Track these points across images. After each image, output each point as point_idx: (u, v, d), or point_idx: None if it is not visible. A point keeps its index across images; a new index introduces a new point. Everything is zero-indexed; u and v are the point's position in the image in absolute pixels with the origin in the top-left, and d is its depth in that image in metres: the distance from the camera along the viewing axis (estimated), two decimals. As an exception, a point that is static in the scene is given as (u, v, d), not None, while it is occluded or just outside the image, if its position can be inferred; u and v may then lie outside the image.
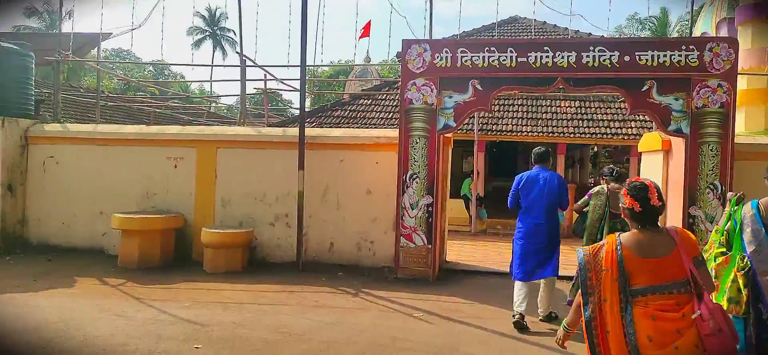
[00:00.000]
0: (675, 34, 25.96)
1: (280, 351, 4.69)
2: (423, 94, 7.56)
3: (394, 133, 8.05)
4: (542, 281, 5.68)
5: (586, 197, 6.35)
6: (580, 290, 2.66)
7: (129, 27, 9.99)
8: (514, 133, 14.15)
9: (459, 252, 9.96)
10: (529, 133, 14.09)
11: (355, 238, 8.21)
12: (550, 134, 13.96)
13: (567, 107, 14.94)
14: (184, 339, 4.88)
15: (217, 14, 45.98)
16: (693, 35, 10.66)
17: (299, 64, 7.97)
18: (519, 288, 5.54)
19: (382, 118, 14.92)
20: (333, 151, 8.33)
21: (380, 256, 8.10)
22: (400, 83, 7.83)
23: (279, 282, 7.16)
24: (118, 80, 31.16)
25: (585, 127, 14.09)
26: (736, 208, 3.76)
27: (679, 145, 7.34)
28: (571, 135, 13.96)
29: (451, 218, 12.65)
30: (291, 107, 31.31)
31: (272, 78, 11.27)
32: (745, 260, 3.56)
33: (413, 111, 7.58)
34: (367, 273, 7.78)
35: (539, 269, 5.58)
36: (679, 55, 6.94)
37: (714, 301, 3.27)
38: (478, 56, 7.40)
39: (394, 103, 15.00)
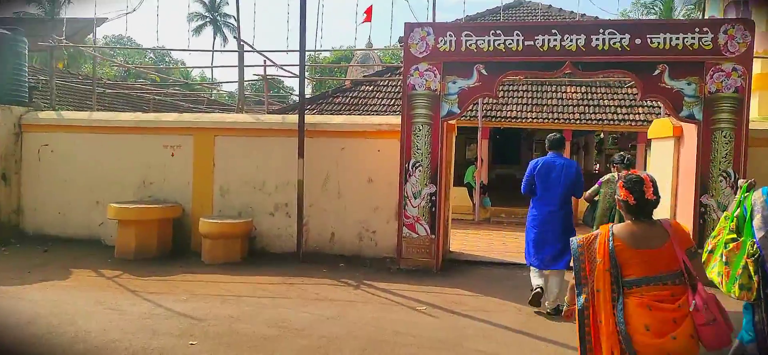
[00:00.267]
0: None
1: (279, 347, 4.52)
2: (426, 80, 7.32)
3: (396, 120, 7.83)
4: (553, 277, 5.52)
5: (596, 185, 6.18)
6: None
7: (124, 11, 9.72)
8: (519, 120, 13.90)
9: (463, 241, 9.77)
10: (534, 120, 13.84)
11: (356, 228, 8.03)
12: (556, 121, 13.71)
13: (573, 93, 14.66)
14: (180, 335, 4.71)
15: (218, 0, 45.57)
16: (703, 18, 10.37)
17: (298, 49, 7.72)
18: (534, 270, 5.72)
19: (384, 104, 14.67)
20: (334, 139, 8.12)
21: (382, 246, 7.91)
22: (402, 69, 7.59)
23: (279, 274, 6.99)
24: (117, 67, 30.90)
25: (591, 114, 13.83)
26: (746, 194, 3.74)
27: (691, 131, 7.10)
28: (577, 121, 13.70)
29: (454, 207, 12.44)
30: (292, 94, 31.05)
31: (272, 64, 11.03)
32: (755, 247, 3.52)
33: (416, 97, 7.35)
34: (369, 264, 7.60)
35: (553, 260, 5.51)
36: (693, 38, 6.68)
37: (724, 289, 3.50)
38: (483, 40, 7.14)
39: (397, 90, 14.75)
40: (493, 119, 13.88)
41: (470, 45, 7.19)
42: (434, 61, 7.29)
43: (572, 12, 16.41)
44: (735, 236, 3.72)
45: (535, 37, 7.02)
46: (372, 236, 7.99)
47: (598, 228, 5.61)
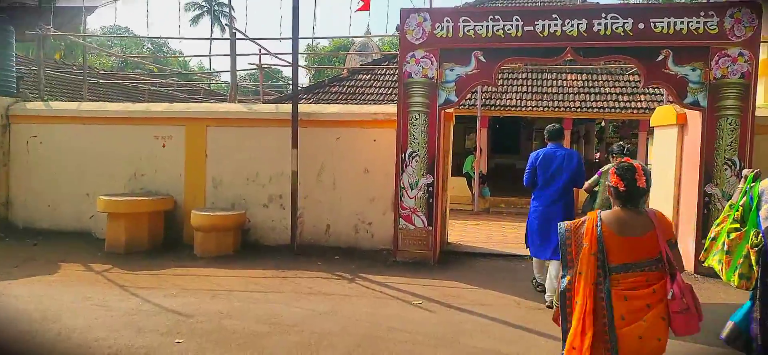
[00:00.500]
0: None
1: (269, 345, 4.35)
2: (423, 67, 7.11)
3: (392, 109, 7.64)
4: (553, 265, 5.36)
5: (596, 175, 6.02)
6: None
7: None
8: (518, 109, 13.69)
9: (461, 232, 9.61)
10: (534, 108, 13.63)
11: (352, 219, 7.86)
12: (556, 109, 13.50)
13: (573, 80, 14.44)
14: (166, 332, 4.55)
15: (214, -11, 45.11)
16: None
17: (291, 36, 7.51)
18: (536, 261, 5.81)
19: (381, 93, 14.45)
20: (328, 129, 7.93)
21: (379, 238, 7.75)
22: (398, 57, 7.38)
23: (272, 267, 6.83)
24: (115, 58, 30.59)
25: (592, 102, 13.62)
26: (752, 184, 3.70)
27: (695, 118, 6.90)
28: (578, 109, 13.49)
29: (452, 197, 12.27)
30: (290, 84, 30.81)
31: (266, 52, 10.81)
32: (759, 237, 3.50)
33: (412, 85, 7.14)
34: (365, 256, 7.44)
35: (555, 252, 5.33)
36: (697, 22, 6.47)
37: (724, 277, 3.61)
38: (482, 26, 6.93)
39: (395, 78, 14.51)
40: (493, 108, 13.68)
41: (468, 31, 6.98)
42: (431, 47, 7.08)
43: (573, -2, 16.14)
44: (738, 225, 3.70)
45: (535, 23, 6.81)
46: (368, 228, 7.82)
47: None
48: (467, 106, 13.50)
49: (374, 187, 7.75)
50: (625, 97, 13.65)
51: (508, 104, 13.75)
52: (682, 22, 6.49)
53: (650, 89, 13.47)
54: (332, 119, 7.98)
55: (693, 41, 6.49)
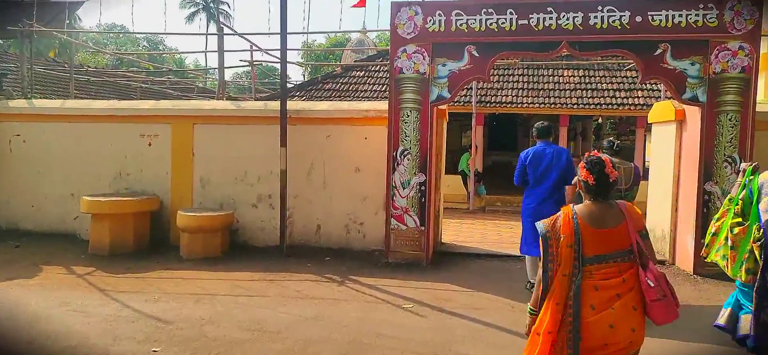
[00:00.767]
0: None
1: (250, 353, 4.16)
2: (414, 62, 6.92)
3: (384, 105, 7.44)
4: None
5: None
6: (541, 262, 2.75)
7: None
8: (514, 106, 13.50)
9: (457, 232, 9.42)
10: (530, 105, 13.44)
11: (343, 219, 7.66)
12: (553, 105, 13.31)
13: (570, 76, 14.25)
14: (143, 340, 4.35)
15: (210, -15, 44.78)
16: None
17: (279, 31, 7.30)
18: (530, 260, 5.77)
19: (376, 90, 14.24)
20: (319, 126, 7.73)
21: (371, 238, 7.56)
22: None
23: (260, 269, 6.63)
24: (110, 56, 30.29)
25: (589, 98, 13.43)
26: (751, 178, 3.70)
27: (694, 114, 6.72)
28: (575, 106, 13.31)
29: (448, 195, 12.09)
30: (289, 79, 30.51)
31: (257, 49, 10.59)
32: (761, 231, 3.50)
33: (404, 81, 6.95)
34: (357, 257, 7.25)
35: None
36: (697, 15, 6.28)
37: (730, 272, 3.64)
38: (475, 19, 6.73)
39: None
40: (488, 105, 13.48)
41: (461, 25, 6.78)
42: (423, 42, 6.88)
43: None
44: (740, 220, 3.69)
45: (530, 16, 6.61)
46: (360, 228, 7.63)
47: None
48: (463, 103, 13.32)
49: (366, 186, 7.56)
50: (623, 94, 13.47)
51: (503, 101, 13.56)
52: (680, 15, 6.30)
53: (648, 85, 13.29)
54: (322, 116, 7.78)
55: (692, 34, 6.31)
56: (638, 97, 13.28)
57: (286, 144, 7.28)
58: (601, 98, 13.35)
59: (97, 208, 7.20)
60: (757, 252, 3.53)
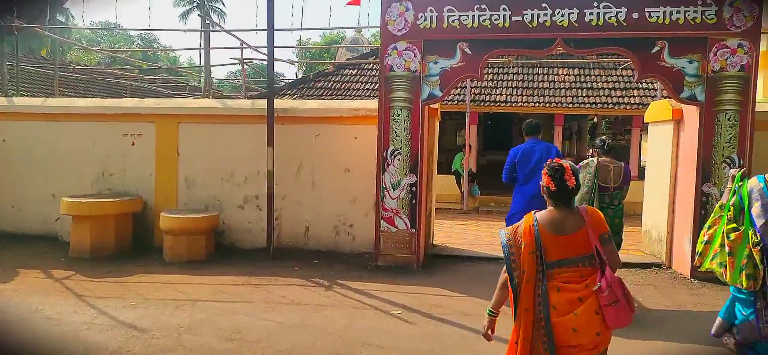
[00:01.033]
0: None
1: (228, 364, 3.96)
2: (405, 60, 6.71)
3: (374, 104, 7.23)
4: None
5: None
6: (504, 268, 2.79)
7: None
8: (509, 105, 13.30)
9: (449, 233, 9.23)
10: (525, 104, 13.25)
11: (332, 221, 7.46)
12: (547, 105, 13.14)
13: (565, 75, 14.08)
14: (116, 349, 4.14)
15: (204, -16, 44.32)
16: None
17: (266, 27, 7.09)
18: None
19: (368, 89, 14.02)
20: (307, 126, 7.52)
21: (360, 240, 7.36)
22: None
23: (246, 273, 6.41)
24: (102, 54, 29.95)
25: (584, 97, 13.25)
26: (740, 184, 3.74)
27: (692, 114, 6.55)
28: (570, 105, 13.13)
29: (441, 195, 11.91)
30: (281, 80, 30.23)
31: (247, 46, 10.37)
32: (758, 236, 3.53)
33: (394, 79, 6.74)
34: (346, 260, 7.05)
35: None
36: (695, 11, 6.10)
37: (729, 279, 3.66)
38: (467, 15, 6.54)
39: (382, 73, 14.09)
40: (482, 104, 13.29)
41: (453, 21, 6.58)
42: (414, 39, 6.68)
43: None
44: (735, 225, 3.69)
45: (524, 12, 6.42)
46: (349, 230, 7.43)
47: None
48: (457, 102, 13.14)
49: (356, 187, 7.36)
50: (618, 93, 13.30)
51: (498, 100, 13.37)
52: (678, 12, 6.12)
53: (644, 84, 13.14)
54: (311, 115, 7.57)
55: (690, 31, 6.13)
56: (634, 96, 13.12)
57: (274, 144, 7.07)
58: (597, 97, 13.18)
59: (78, 209, 6.97)
60: (757, 257, 3.53)
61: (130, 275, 6.32)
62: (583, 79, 13.90)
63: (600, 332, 2.62)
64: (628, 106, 12.94)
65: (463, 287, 5.99)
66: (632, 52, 6.32)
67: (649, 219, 7.90)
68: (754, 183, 3.66)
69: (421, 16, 6.63)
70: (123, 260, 6.93)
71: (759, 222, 3.55)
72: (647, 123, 8.28)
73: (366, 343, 4.36)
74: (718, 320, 4.05)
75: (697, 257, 4.00)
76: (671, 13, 6.14)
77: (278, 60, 11.12)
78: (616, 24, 6.23)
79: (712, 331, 4.07)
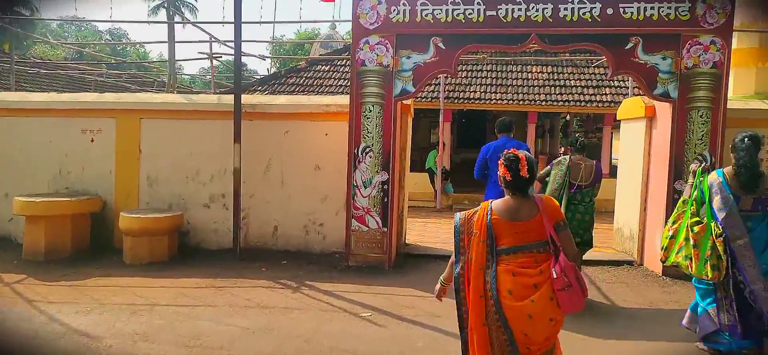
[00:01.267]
0: None
1: (186, 373, 3.72)
2: (377, 54, 6.53)
3: (345, 100, 7.04)
4: None
5: (548, 166, 5.73)
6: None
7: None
8: (482, 102, 13.23)
9: (422, 232, 9.08)
10: (499, 102, 13.19)
11: (302, 220, 7.23)
12: (521, 102, 13.10)
13: (538, 73, 14.07)
14: (65, 360, 3.86)
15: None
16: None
17: (233, 20, 6.82)
18: None
19: (341, 85, 13.79)
20: (276, 122, 7.27)
21: (331, 240, 7.15)
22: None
23: (210, 275, 6.14)
24: (71, 48, 28.94)
25: (557, 95, 13.26)
26: (701, 179, 3.93)
27: (664, 111, 6.52)
28: (543, 102, 13.12)
29: (415, 194, 11.77)
30: (253, 77, 29.70)
31: (215, 40, 10.04)
32: (720, 227, 3.70)
33: (366, 74, 6.55)
34: (316, 260, 6.84)
35: None
36: (669, 7, 6.05)
37: (694, 271, 3.81)
38: (441, 9, 6.38)
39: (355, 70, 13.87)
40: (456, 101, 13.19)
41: (426, 15, 6.42)
42: (386, 33, 6.50)
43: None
44: (698, 219, 3.84)
45: (498, 7, 6.30)
46: (319, 229, 7.22)
47: None
48: (431, 99, 13.01)
49: (326, 185, 7.15)
50: (591, 91, 13.35)
51: (472, 97, 13.29)
52: (652, 8, 6.07)
53: (615, 82, 13.22)
54: (280, 111, 7.33)
55: (664, 28, 6.09)
56: (606, 94, 13.18)
57: (241, 140, 6.82)
58: (569, 95, 13.21)
59: (31, 209, 6.60)
60: (720, 248, 3.69)
61: (86, 278, 5.99)
62: (556, 77, 13.92)
63: (553, 318, 2.71)
64: (599, 105, 12.99)
65: (434, 287, 5.82)
66: (606, 49, 6.26)
67: (621, 217, 7.88)
68: (713, 177, 3.84)
69: (394, 10, 6.46)
70: (80, 262, 6.59)
71: (720, 215, 3.72)
72: (619, 121, 8.27)
73: (334, 347, 4.17)
74: (688, 312, 4.18)
75: (662, 252, 4.10)
76: (645, 9, 6.08)
77: (247, 54, 10.83)
78: (590, 20, 6.16)
79: (683, 321, 4.20)
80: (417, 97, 10.52)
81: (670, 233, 4.02)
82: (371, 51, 6.55)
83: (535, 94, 13.29)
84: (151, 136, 7.37)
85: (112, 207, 7.30)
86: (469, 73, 14.11)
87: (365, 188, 6.59)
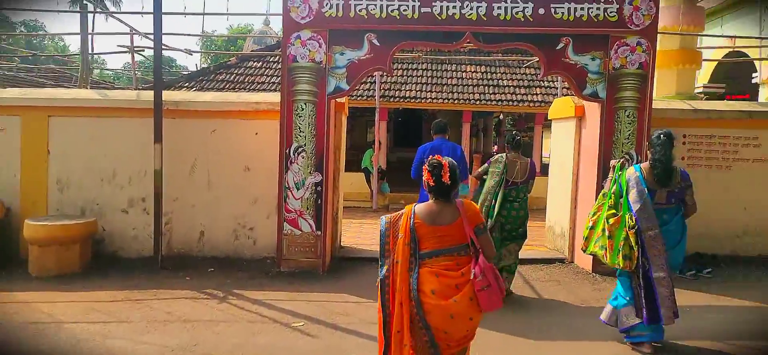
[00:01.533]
0: None
1: (93, 401, 3.32)
2: (309, 50, 6.26)
3: (276, 98, 6.72)
4: None
5: (486, 164, 5.73)
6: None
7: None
8: (418, 101, 13.20)
9: (358, 233, 8.88)
10: (434, 101, 13.20)
11: (231, 224, 6.85)
12: (456, 101, 13.17)
13: (473, 72, 14.21)
14: (-53, 393, 3.36)
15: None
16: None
17: (152, 10, 6.34)
18: None
19: (274, 82, 13.33)
20: (202, 120, 6.85)
21: (262, 245, 6.81)
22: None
23: (128, 286, 5.67)
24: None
25: (491, 94, 13.43)
26: (620, 173, 4.17)
27: (593, 111, 6.65)
28: (477, 102, 13.25)
29: (350, 194, 11.55)
30: (182, 73, 28.43)
31: (136, 32, 9.39)
32: (633, 219, 3.94)
33: (297, 70, 6.27)
34: (246, 267, 6.49)
35: None
36: (598, 8, 6.16)
37: (609, 261, 4.08)
38: (375, 5, 6.20)
39: (289, 67, 13.44)
40: (392, 99, 13.07)
41: (360, 10, 6.22)
42: (319, 28, 6.24)
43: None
44: (615, 211, 4.07)
45: (433, 4, 6.19)
46: (250, 234, 6.86)
47: (480, 206, 5.38)
48: (366, 98, 12.83)
49: (257, 186, 6.80)
50: (522, 90, 13.62)
51: (407, 96, 13.22)
52: (582, 8, 6.15)
53: (546, 82, 13.55)
54: (207, 109, 6.90)
55: (593, 29, 6.19)
56: (537, 94, 13.49)
57: (162, 140, 6.35)
58: (502, 95, 13.41)
59: None
60: (632, 239, 3.93)
61: (-17, 294, 5.37)
62: (489, 77, 14.10)
63: (472, 317, 2.86)
64: (531, 104, 13.27)
65: (371, 292, 5.59)
66: (538, 48, 6.29)
67: (552, 215, 8.01)
68: (631, 172, 4.08)
69: (327, 4, 6.21)
70: (-23, 276, 5.92)
71: (635, 207, 3.96)
72: (550, 120, 8.41)
73: (262, 364, 3.89)
74: (608, 306, 4.38)
75: (583, 241, 4.35)
76: (576, 10, 6.16)
77: (169, 48, 10.20)
78: (523, 19, 6.16)
79: (602, 317, 4.39)
80: (352, 96, 10.31)
81: (590, 224, 4.26)
82: (303, 46, 6.27)
83: (469, 94, 13.40)
84: (61, 135, 6.74)
85: (17, 214, 6.62)
86: (405, 71, 14.05)
87: (298, 189, 6.30)
